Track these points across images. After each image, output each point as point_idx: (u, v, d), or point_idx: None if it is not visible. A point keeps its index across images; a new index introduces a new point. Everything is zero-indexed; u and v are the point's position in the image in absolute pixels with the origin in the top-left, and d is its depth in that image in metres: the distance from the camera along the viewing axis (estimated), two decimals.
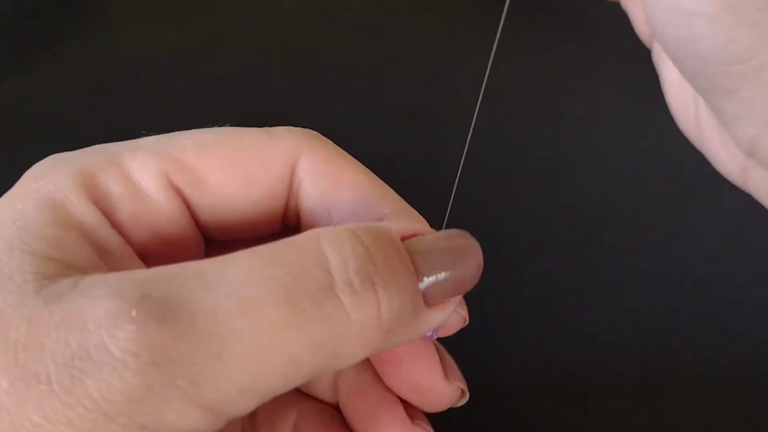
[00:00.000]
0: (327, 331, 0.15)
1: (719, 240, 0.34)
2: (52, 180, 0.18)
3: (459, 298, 0.18)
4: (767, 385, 0.31)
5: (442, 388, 0.20)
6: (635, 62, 0.43)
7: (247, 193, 0.19)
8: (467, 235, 0.18)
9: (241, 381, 0.15)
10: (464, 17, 0.45)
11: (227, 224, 0.20)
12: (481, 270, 0.18)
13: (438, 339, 0.21)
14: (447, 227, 0.19)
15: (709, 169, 0.25)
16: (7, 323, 0.15)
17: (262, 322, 0.15)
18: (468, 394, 0.21)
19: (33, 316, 0.15)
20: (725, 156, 0.24)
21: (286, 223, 0.21)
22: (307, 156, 0.20)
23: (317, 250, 0.16)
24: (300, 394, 0.22)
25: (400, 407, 0.21)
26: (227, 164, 0.19)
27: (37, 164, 0.19)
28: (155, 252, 0.19)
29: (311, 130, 0.20)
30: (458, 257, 0.18)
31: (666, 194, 0.36)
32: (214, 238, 0.21)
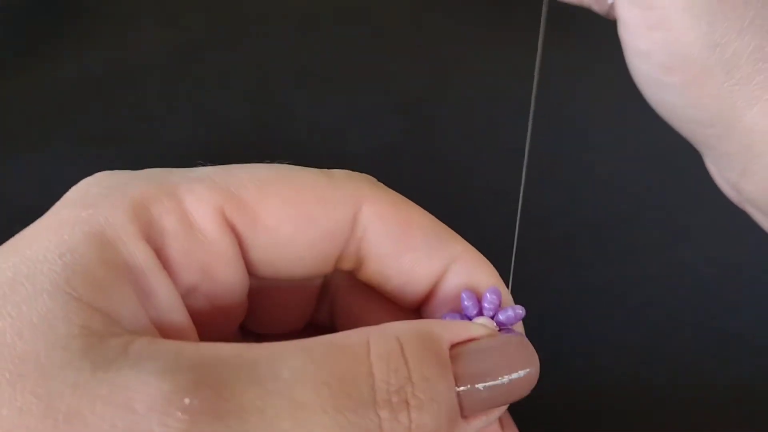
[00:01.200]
0: None
1: (719, 240, 0.34)
2: (104, 211, 0.17)
3: (503, 408, 0.18)
4: (767, 384, 0.31)
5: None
6: None
7: (305, 235, 0.19)
8: (524, 343, 0.18)
9: None
10: (464, 17, 0.45)
11: (278, 264, 0.19)
12: (534, 384, 0.17)
13: None
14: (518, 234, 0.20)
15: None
16: (49, 386, 0.14)
17: (308, 428, 0.15)
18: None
19: (79, 383, 0.14)
20: (721, 182, 0.25)
21: (339, 267, 0.20)
22: (371, 201, 0.19)
23: (367, 361, 0.16)
24: None
25: None
26: (286, 204, 0.18)
27: (85, 182, 0.18)
28: (203, 292, 0.19)
29: (370, 176, 0.20)
30: (506, 368, 0.17)
31: (666, 195, 0.36)
32: (260, 275, 0.20)
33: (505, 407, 0.18)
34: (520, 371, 0.17)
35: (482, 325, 0.18)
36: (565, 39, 0.43)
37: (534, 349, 0.18)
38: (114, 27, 0.43)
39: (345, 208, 0.19)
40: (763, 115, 0.21)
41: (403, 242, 0.19)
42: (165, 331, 0.17)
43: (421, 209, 0.20)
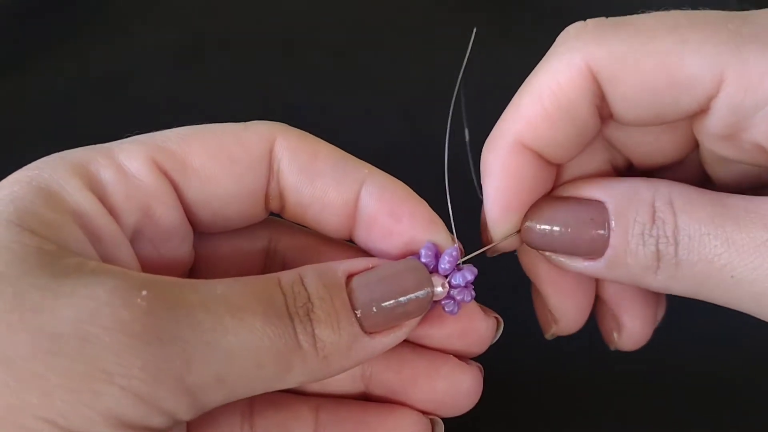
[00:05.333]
0: (284, 346, 0.18)
1: None
2: (48, 170, 0.19)
3: (412, 323, 0.21)
4: (767, 384, 0.31)
5: (485, 324, 0.23)
6: None
7: (229, 173, 0.21)
8: (416, 267, 0.21)
9: (220, 371, 0.17)
10: (464, 17, 0.45)
11: (213, 209, 0.22)
12: (427, 303, 0.21)
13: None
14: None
15: None
16: (14, 287, 0.16)
17: (244, 324, 0.18)
18: (502, 322, 0.23)
19: (42, 285, 0.17)
20: None
21: (270, 209, 0.23)
22: (282, 137, 0.22)
23: (277, 285, 0.19)
24: (316, 396, 0.23)
25: (437, 363, 0.23)
26: (208, 147, 0.21)
27: (33, 162, 0.20)
28: (147, 234, 0.21)
29: (283, 123, 0.22)
30: (399, 292, 0.20)
31: None
32: (203, 229, 0.22)
33: (412, 325, 0.21)
34: (411, 294, 0.20)
35: (375, 259, 0.21)
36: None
37: (427, 274, 0.21)
38: (114, 27, 0.43)
39: (259, 144, 0.21)
40: None
41: (312, 169, 0.22)
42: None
43: (330, 144, 0.22)
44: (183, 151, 0.21)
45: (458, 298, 0.21)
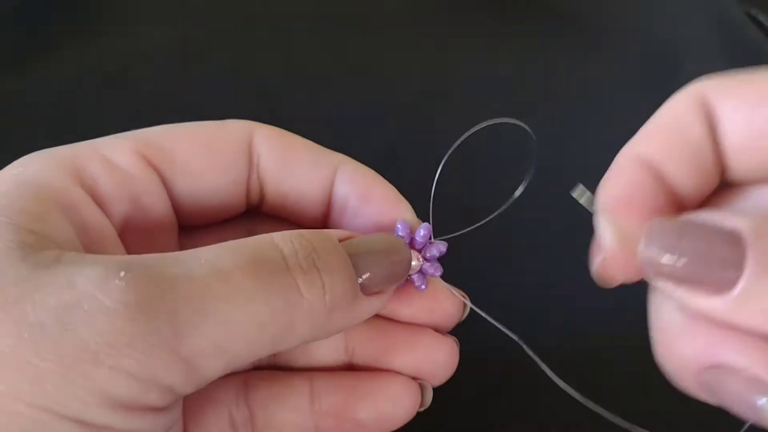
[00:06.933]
0: (285, 301, 0.18)
1: None
2: (34, 167, 0.20)
3: (391, 291, 0.22)
4: None
5: (450, 302, 0.24)
6: (637, 62, 0.43)
7: (214, 166, 0.22)
8: (392, 236, 0.22)
9: (217, 337, 0.17)
10: (464, 18, 0.45)
11: (199, 201, 0.22)
12: (409, 266, 0.22)
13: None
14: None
15: None
16: None
17: (235, 288, 0.17)
18: (469, 304, 0.24)
19: (22, 278, 0.17)
20: None
21: (249, 203, 0.23)
22: (260, 132, 0.23)
23: (272, 242, 0.19)
24: (308, 370, 0.24)
25: (414, 334, 0.24)
26: (193, 141, 0.22)
27: (18, 159, 0.20)
28: (136, 226, 0.21)
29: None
30: (385, 255, 0.21)
31: None
32: (187, 221, 0.23)
33: (391, 293, 0.22)
34: (397, 257, 0.21)
35: (353, 232, 0.22)
36: (568, 39, 0.43)
37: (407, 245, 0.22)
38: (114, 27, 0.43)
39: (240, 138, 0.22)
40: None
41: (290, 158, 0.23)
42: None
43: (304, 138, 0.23)
44: (169, 144, 0.21)
45: (430, 271, 0.23)
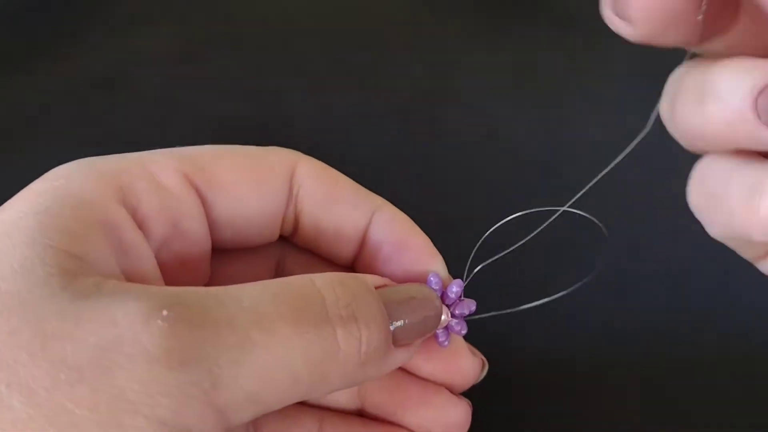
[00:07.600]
0: (322, 353, 0.18)
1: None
2: (77, 181, 0.19)
3: (419, 343, 0.21)
4: (767, 385, 0.31)
5: (470, 362, 0.23)
6: (635, 61, 0.43)
7: (255, 193, 0.22)
8: (426, 288, 0.22)
9: (251, 388, 0.17)
10: (464, 18, 0.45)
11: (236, 226, 0.22)
12: (439, 320, 0.21)
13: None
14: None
15: None
16: (35, 313, 0.16)
17: (274, 336, 0.17)
18: (487, 365, 0.24)
19: (62, 310, 0.16)
20: None
21: (281, 233, 0.23)
22: (303, 163, 0.22)
23: (314, 288, 0.19)
24: (318, 408, 0.24)
25: (429, 392, 0.23)
26: (237, 166, 0.21)
27: (59, 167, 0.20)
28: (172, 248, 0.21)
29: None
30: (420, 307, 0.21)
31: (667, 193, 0.36)
32: (220, 245, 0.22)
33: (418, 345, 0.21)
34: (429, 308, 0.21)
35: (386, 279, 0.21)
36: (563, 36, 0.43)
37: (439, 298, 0.22)
38: (114, 27, 0.43)
39: (283, 168, 0.22)
40: None
41: (333, 194, 0.22)
42: (136, 281, 0.19)
43: (345, 176, 0.23)
44: (212, 167, 0.21)
45: (456, 328, 0.22)
